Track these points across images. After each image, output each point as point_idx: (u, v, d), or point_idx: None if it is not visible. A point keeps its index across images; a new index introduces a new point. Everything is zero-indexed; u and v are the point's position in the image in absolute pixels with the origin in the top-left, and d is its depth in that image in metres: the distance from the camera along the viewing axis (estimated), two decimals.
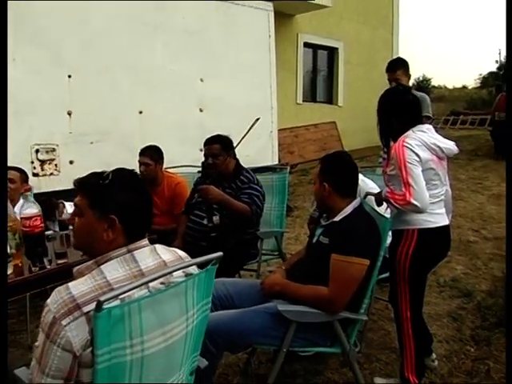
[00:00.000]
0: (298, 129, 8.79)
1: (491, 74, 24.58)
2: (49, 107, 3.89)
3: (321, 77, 10.65)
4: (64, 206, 3.11)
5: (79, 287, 1.17)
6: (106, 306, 1.07)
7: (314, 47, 10.13)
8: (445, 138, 2.27)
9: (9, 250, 1.96)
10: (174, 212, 3.31)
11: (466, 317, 3.08)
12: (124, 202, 1.30)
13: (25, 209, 2.08)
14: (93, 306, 1.09)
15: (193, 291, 1.31)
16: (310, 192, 6.63)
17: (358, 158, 2.15)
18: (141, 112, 4.50)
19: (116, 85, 4.29)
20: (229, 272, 2.66)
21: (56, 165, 3.96)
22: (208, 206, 2.85)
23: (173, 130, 4.65)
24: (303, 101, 9.86)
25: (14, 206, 2.35)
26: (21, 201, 2.67)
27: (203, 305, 1.38)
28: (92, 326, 1.09)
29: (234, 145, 3.13)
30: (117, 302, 1.12)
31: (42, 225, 2.12)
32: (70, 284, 1.19)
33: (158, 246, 1.38)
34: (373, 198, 2.33)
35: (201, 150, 3.15)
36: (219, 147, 2.94)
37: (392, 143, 2.25)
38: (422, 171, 2.08)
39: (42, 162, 3.87)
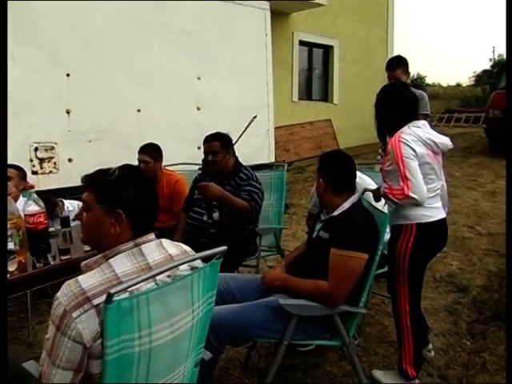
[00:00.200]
0: (294, 127, 8.82)
1: (485, 71, 24.60)
2: (48, 106, 3.91)
3: (316, 75, 10.64)
4: (63, 204, 3.13)
5: (88, 280, 1.20)
6: (115, 298, 1.09)
7: (309, 45, 10.13)
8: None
9: (13, 247, 1.98)
10: (173, 209, 3.32)
11: (461, 311, 3.12)
12: (130, 197, 1.33)
13: (28, 206, 2.10)
14: (102, 298, 1.12)
15: (198, 284, 1.34)
16: (306, 189, 6.68)
17: (353, 155, 2.17)
18: (139, 111, 4.53)
19: (114, 84, 4.32)
20: (228, 268, 2.68)
21: (55, 163, 3.98)
22: (208, 203, 2.86)
23: (170, 129, 4.68)
24: (299, 99, 9.87)
25: None
26: (21, 198, 2.69)
27: (208, 297, 1.41)
28: (102, 318, 1.12)
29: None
30: (126, 295, 1.14)
31: (46, 221, 2.14)
32: (80, 277, 1.21)
33: (164, 241, 1.41)
34: (371, 194, 2.37)
35: (198, 148, 3.17)
36: (219, 144, 2.97)
37: (388, 139, 2.29)
38: (419, 166, 2.11)
39: (41, 160, 3.89)
